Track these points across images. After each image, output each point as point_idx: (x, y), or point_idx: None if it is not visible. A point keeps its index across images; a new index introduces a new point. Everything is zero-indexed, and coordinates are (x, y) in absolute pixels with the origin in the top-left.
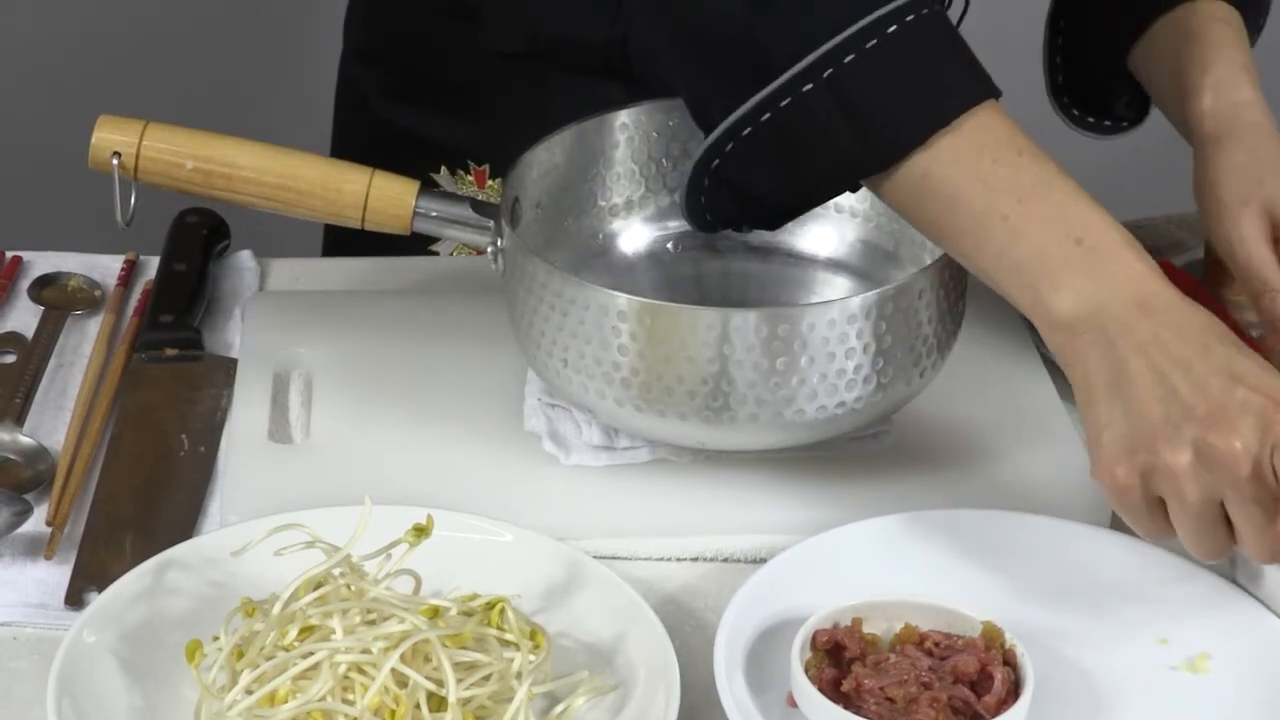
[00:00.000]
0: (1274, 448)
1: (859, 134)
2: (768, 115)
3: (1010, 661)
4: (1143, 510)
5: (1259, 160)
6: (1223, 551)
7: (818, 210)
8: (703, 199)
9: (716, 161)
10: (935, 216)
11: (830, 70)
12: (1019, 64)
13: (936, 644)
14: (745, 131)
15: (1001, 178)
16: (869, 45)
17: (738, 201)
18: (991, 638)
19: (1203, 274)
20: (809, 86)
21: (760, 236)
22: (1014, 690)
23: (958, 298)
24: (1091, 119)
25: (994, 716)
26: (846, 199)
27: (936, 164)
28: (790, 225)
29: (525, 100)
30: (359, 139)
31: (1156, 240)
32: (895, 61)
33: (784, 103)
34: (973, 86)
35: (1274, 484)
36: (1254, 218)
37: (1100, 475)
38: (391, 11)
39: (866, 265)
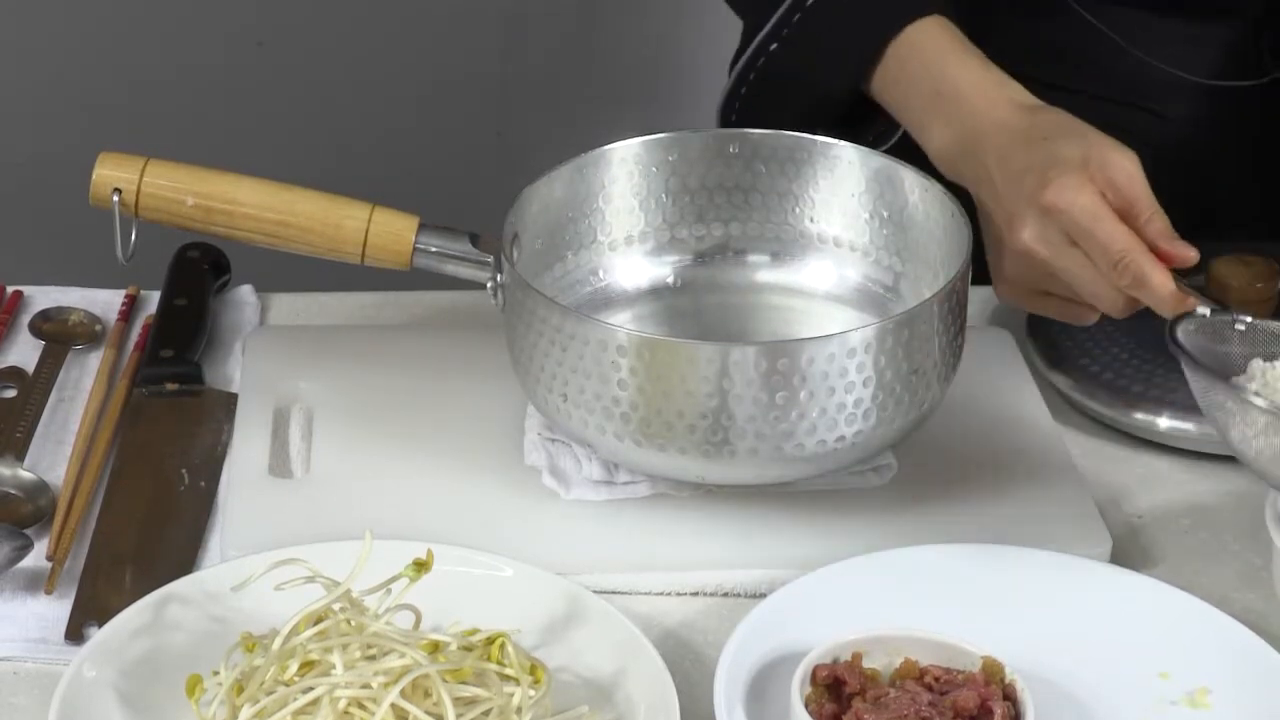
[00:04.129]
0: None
1: (821, 70)
2: (753, 72)
3: (1010, 696)
4: (1052, 300)
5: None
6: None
7: (817, 245)
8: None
9: (736, 105)
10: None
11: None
12: None
13: (936, 679)
14: (749, 78)
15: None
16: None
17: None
18: (991, 672)
19: None
20: (774, 46)
21: (760, 272)
22: None
23: (957, 331)
24: None
25: None
26: (846, 234)
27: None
28: (789, 260)
29: None
30: None
31: None
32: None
33: (759, 61)
34: (908, 5)
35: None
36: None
37: (995, 285)
38: None
39: (866, 299)
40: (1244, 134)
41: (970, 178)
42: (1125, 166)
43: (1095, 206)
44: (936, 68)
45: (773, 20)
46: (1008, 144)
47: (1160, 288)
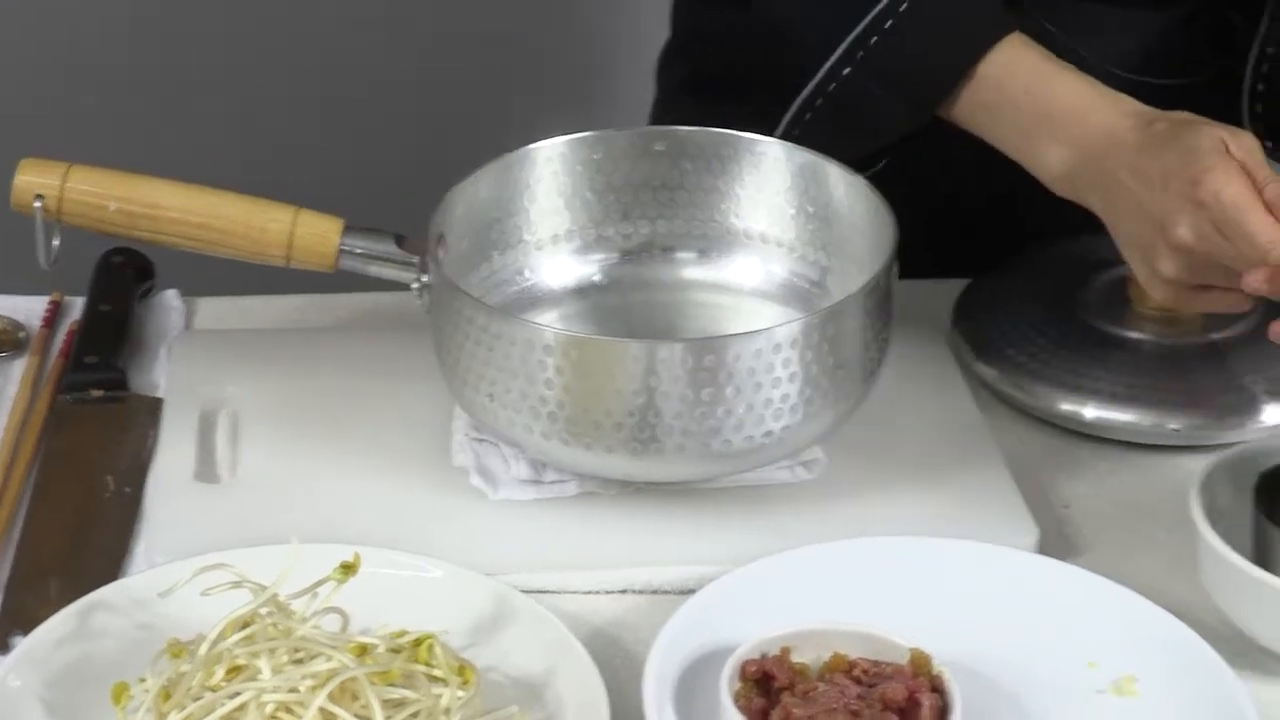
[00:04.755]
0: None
1: (900, 97)
2: (821, 98)
3: (938, 688)
4: (1197, 294)
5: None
6: None
7: (743, 241)
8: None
9: (796, 131)
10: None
11: (861, 52)
12: None
13: (865, 672)
14: (815, 104)
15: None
16: (888, 25)
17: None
18: (919, 665)
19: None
20: (847, 70)
21: (687, 269)
22: (942, 716)
23: (883, 325)
24: None
25: None
26: (772, 229)
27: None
28: (716, 257)
29: None
30: None
31: None
32: (913, 29)
33: (830, 87)
34: (988, 27)
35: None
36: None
37: (1150, 289)
38: None
39: (793, 295)
40: None
41: (1098, 195)
42: (1248, 141)
43: (1242, 197)
44: (1040, 88)
45: (845, 42)
46: (1136, 155)
47: None
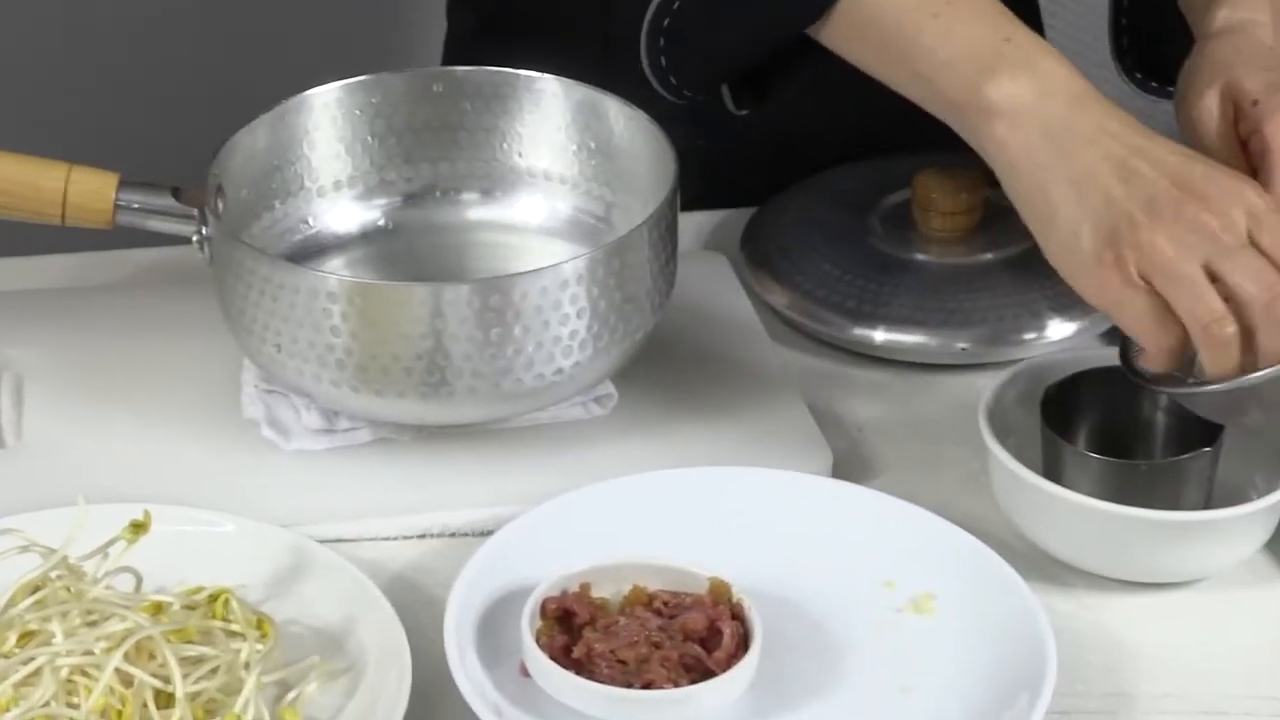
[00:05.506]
0: (1251, 216)
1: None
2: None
3: (739, 615)
4: (1143, 307)
5: (1236, 54)
6: (1233, 349)
7: (527, 179)
8: (663, 59)
9: (667, 20)
10: (874, 43)
11: None
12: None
13: (665, 603)
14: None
15: None
16: None
17: (697, 56)
18: (719, 593)
19: None
20: None
21: (471, 210)
22: (743, 643)
23: (669, 257)
24: (1155, 83)
25: (725, 670)
26: (555, 167)
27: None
28: (500, 197)
29: None
30: None
31: None
32: None
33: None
34: None
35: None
36: (1214, 98)
37: (1085, 279)
38: None
39: (579, 231)
40: None
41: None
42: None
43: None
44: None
45: None
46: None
47: None
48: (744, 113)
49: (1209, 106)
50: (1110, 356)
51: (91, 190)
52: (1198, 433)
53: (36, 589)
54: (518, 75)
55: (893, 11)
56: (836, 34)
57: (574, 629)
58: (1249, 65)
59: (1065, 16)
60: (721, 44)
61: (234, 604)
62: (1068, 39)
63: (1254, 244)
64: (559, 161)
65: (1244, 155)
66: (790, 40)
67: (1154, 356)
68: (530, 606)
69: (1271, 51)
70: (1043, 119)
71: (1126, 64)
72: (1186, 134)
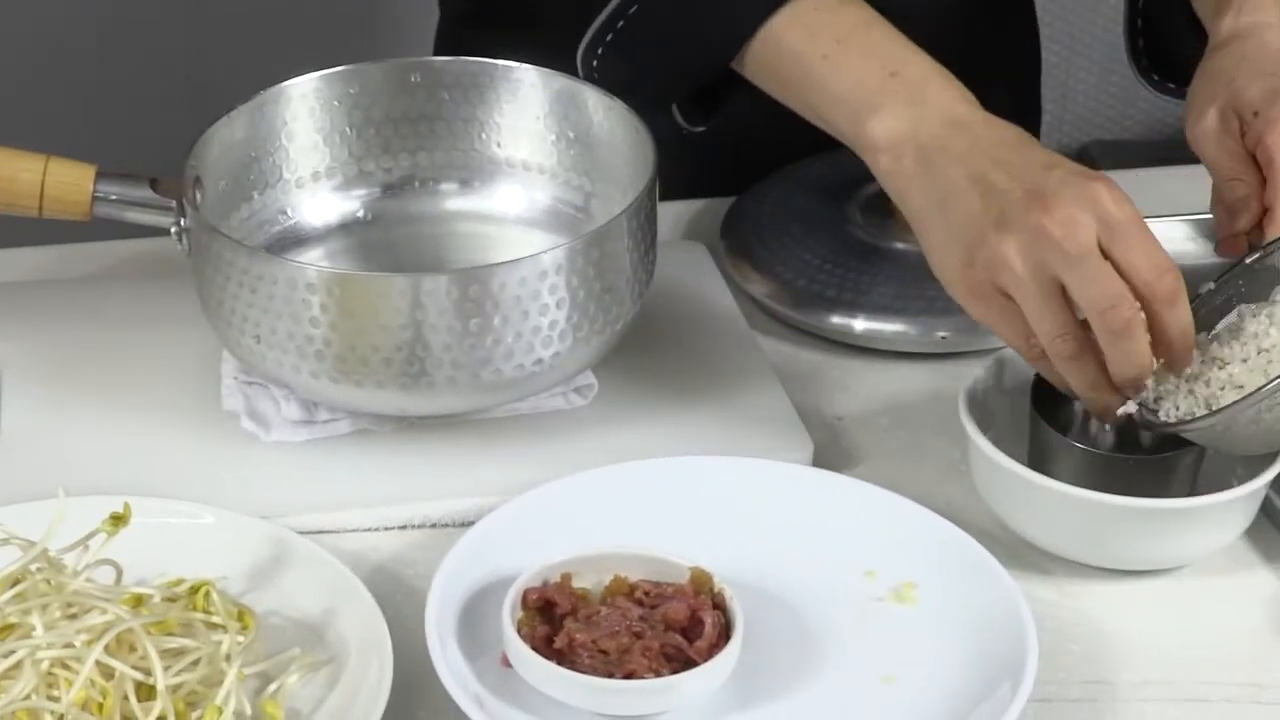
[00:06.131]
0: (1103, 223)
1: (697, 30)
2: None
3: (720, 605)
4: (1002, 312)
5: (1239, 63)
6: (1083, 362)
7: (506, 170)
8: (595, 75)
9: (595, 61)
10: (778, 82)
11: None
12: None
13: (646, 593)
14: (618, 25)
15: (823, 23)
16: None
17: (630, 90)
18: (700, 583)
19: None
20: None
21: (450, 200)
22: (724, 633)
23: (648, 246)
24: (1173, 84)
25: (706, 660)
26: (533, 157)
27: (775, 33)
28: (479, 187)
29: None
30: None
31: None
32: None
33: (632, 9)
34: None
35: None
36: (1213, 117)
37: (959, 295)
38: None
39: (558, 221)
40: None
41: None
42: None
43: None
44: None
45: None
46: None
47: None
48: (698, 129)
49: (1208, 127)
50: None
51: (69, 182)
52: None
53: (16, 582)
54: (496, 65)
55: (789, 54)
56: (751, 72)
57: (555, 619)
58: (1251, 73)
59: (1082, 15)
60: (647, 82)
61: (215, 596)
62: (1083, 40)
63: (1104, 251)
64: (538, 151)
65: (1255, 168)
66: (714, 77)
67: (1055, 377)
68: (511, 597)
69: (1278, 55)
70: (917, 147)
71: (1142, 65)
72: (1196, 152)
